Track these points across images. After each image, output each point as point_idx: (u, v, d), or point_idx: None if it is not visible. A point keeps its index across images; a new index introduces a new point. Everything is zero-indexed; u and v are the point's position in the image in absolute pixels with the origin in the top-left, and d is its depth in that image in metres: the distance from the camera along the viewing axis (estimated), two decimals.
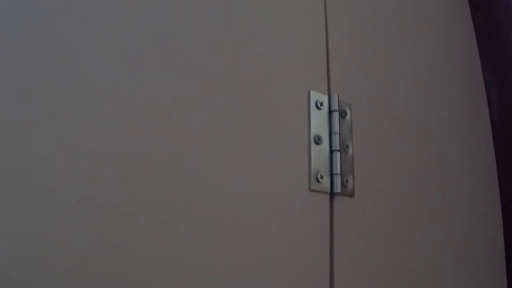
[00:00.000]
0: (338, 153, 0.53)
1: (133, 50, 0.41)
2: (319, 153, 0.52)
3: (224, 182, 0.45)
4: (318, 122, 0.53)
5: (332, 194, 0.53)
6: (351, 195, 0.54)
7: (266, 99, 0.50)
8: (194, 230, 0.42)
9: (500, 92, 0.82)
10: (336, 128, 0.54)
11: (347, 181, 0.54)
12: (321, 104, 0.54)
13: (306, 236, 0.50)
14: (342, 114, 0.55)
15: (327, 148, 0.53)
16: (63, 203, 0.35)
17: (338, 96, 0.55)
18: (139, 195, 0.39)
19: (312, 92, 0.54)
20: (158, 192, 0.40)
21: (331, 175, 0.53)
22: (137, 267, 0.37)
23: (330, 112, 0.55)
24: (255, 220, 0.46)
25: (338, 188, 0.52)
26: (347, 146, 0.55)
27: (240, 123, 0.48)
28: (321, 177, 0.52)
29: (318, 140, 0.52)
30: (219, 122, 0.46)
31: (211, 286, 0.41)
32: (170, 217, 0.40)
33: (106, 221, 0.36)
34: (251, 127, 0.48)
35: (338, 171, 0.52)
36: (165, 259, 0.39)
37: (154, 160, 0.40)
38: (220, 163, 0.45)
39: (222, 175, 0.45)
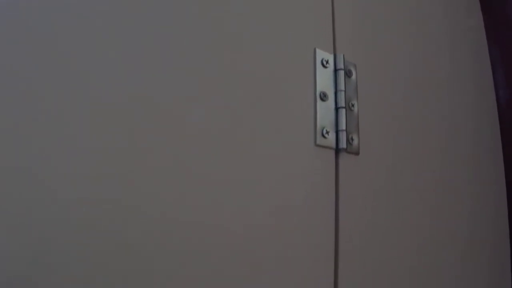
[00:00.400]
0: (344, 110, 0.53)
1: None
2: (325, 109, 0.53)
3: (231, 135, 0.45)
4: (324, 79, 0.54)
5: (337, 150, 0.53)
6: (356, 153, 0.55)
7: (273, 56, 0.51)
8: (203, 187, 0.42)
9: (507, 71, 0.82)
10: (342, 86, 0.54)
11: (352, 139, 0.54)
12: (327, 62, 0.54)
13: (312, 191, 0.50)
14: (348, 74, 0.56)
15: (333, 105, 0.54)
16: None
17: (343, 55, 0.56)
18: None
19: (317, 50, 0.54)
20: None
21: (337, 132, 0.53)
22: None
23: (335, 70, 0.55)
24: (263, 170, 0.47)
25: (343, 144, 0.53)
26: (352, 105, 0.55)
27: (248, 80, 0.48)
28: (327, 132, 0.52)
29: (323, 96, 0.53)
30: (227, 77, 0.46)
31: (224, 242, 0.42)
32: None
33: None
34: (258, 83, 0.49)
35: (344, 128, 0.53)
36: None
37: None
38: (228, 116, 0.46)
39: (230, 127, 0.45)
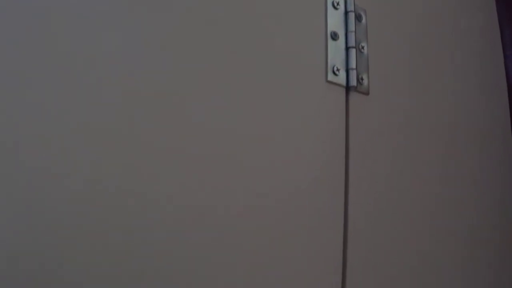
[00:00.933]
0: (354, 50, 0.55)
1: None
2: (335, 48, 0.54)
3: (244, 69, 0.47)
4: (335, 20, 0.55)
5: (348, 88, 0.55)
6: (366, 93, 0.56)
7: None
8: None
9: None
10: (352, 27, 0.56)
11: (362, 79, 0.56)
12: (337, 3, 0.56)
13: (323, 127, 0.52)
14: (358, 18, 0.57)
15: (343, 44, 0.55)
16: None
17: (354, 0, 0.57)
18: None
19: None
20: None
21: (347, 70, 0.55)
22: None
23: (346, 12, 0.57)
24: (275, 105, 0.48)
25: (353, 82, 0.54)
26: (362, 47, 0.57)
27: (261, 19, 0.50)
28: (337, 70, 0.54)
29: (334, 36, 0.55)
30: (242, 16, 0.48)
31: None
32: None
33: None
34: (270, 22, 0.50)
35: (354, 66, 0.54)
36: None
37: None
38: (241, 52, 0.47)
39: (243, 63, 0.47)
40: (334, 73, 0.53)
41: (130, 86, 0.40)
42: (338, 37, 0.55)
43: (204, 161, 0.43)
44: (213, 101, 0.44)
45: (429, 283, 0.57)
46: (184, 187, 0.41)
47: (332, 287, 0.48)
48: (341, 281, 0.49)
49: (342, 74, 0.54)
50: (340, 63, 0.54)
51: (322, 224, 0.49)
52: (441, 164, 0.63)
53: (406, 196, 0.57)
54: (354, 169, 0.54)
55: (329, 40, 0.54)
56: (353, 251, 0.51)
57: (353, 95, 0.55)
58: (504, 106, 0.75)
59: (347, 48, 0.55)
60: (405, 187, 0.57)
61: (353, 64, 0.54)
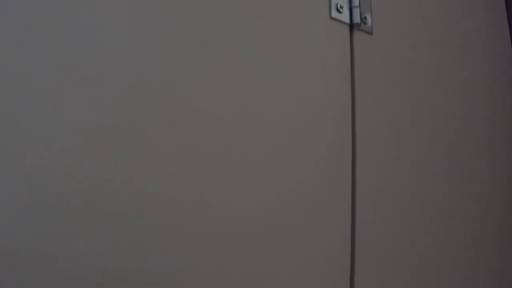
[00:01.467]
0: None
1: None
2: None
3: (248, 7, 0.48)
4: None
5: (351, 26, 0.56)
6: (370, 32, 0.57)
7: None
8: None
9: None
10: None
11: (365, 18, 0.56)
12: None
13: (328, 66, 0.53)
14: None
15: None
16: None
17: None
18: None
19: None
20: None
21: (350, 9, 0.56)
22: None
23: None
24: (282, 41, 0.49)
25: (357, 19, 0.55)
26: None
27: None
28: (341, 7, 0.55)
29: None
30: None
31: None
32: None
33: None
34: None
35: (357, 4, 0.55)
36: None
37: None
38: None
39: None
40: (337, 10, 0.54)
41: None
42: None
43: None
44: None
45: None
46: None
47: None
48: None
49: (345, 12, 0.55)
50: (343, 1, 0.55)
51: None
52: (447, 105, 0.63)
53: (412, 132, 0.58)
54: (360, 108, 0.54)
55: None
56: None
57: (357, 34, 0.56)
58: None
59: None
60: (410, 125, 0.58)
61: (356, 2, 0.55)
